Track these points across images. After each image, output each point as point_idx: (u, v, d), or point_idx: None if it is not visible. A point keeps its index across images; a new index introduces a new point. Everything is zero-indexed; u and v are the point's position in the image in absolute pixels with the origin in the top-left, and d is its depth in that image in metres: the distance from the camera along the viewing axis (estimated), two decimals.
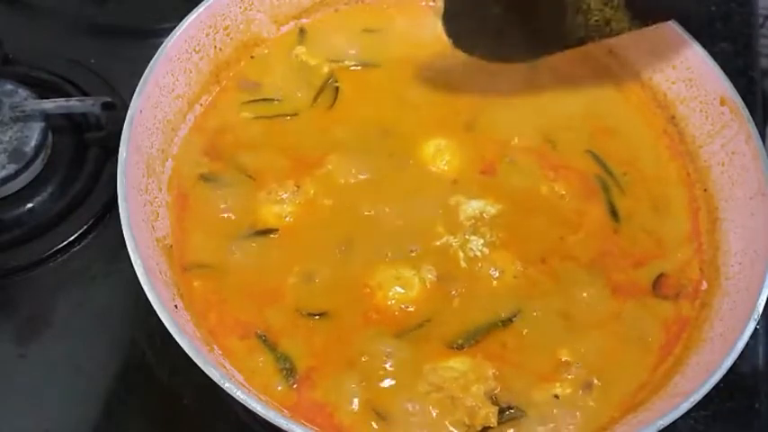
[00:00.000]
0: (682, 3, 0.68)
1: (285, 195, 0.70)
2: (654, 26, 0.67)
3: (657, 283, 0.68)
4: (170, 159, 0.71)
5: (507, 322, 0.65)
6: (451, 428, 0.60)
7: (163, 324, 0.56)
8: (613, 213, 0.72)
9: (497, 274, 0.67)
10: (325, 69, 0.78)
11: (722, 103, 0.72)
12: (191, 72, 0.73)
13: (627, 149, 0.76)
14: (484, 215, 0.70)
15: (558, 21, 0.66)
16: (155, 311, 0.57)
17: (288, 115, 0.75)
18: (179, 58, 0.71)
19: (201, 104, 0.75)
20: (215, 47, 0.75)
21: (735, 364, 0.59)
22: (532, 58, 0.72)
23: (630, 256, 0.69)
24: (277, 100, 0.76)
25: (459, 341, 0.64)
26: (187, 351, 0.55)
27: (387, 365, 0.62)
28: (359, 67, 0.79)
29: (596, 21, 0.65)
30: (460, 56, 0.73)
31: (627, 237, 0.70)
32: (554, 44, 0.69)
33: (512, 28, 0.69)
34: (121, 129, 0.65)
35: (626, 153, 0.76)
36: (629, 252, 0.70)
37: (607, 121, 0.78)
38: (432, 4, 0.84)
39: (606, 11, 0.65)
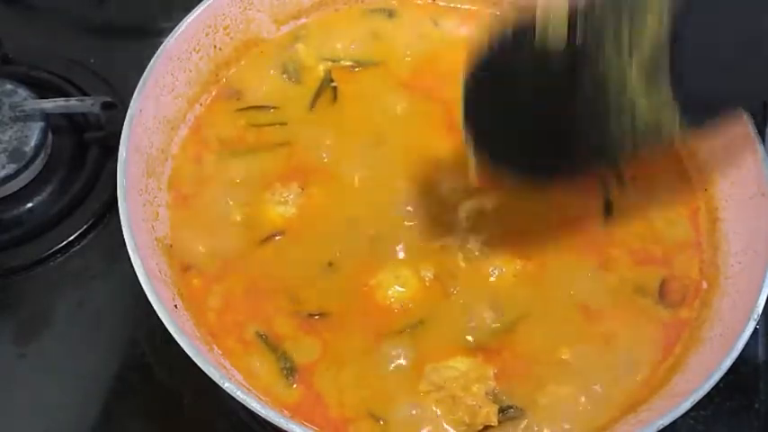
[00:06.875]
0: (744, 88, 0.54)
1: (290, 197, 0.70)
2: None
3: (662, 291, 0.68)
4: (170, 159, 0.71)
5: (507, 321, 0.65)
6: (452, 427, 0.60)
7: (163, 324, 0.56)
8: (608, 211, 0.71)
9: (497, 273, 0.67)
10: (324, 69, 0.78)
11: None
12: (190, 72, 0.73)
13: None
14: (483, 213, 0.70)
15: (599, 129, 0.53)
16: (155, 311, 0.57)
17: (285, 122, 0.74)
18: (179, 58, 0.71)
19: (201, 104, 0.75)
20: (215, 46, 0.75)
21: (735, 364, 0.59)
22: (572, 178, 0.60)
23: (632, 258, 0.69)
24: (273, 107, 0.75)
25: (460, 340, 0.64)
26: (187, 351, 0.55)
27: (387, 364, 0.62)
28: (358, 68, 0.79)
29: (645, 124, 0.53)
30: None
31: (626, 237, 0.70)
32: (596, 160, 0.57)
33: (544, 139, 0.56)
34: (121, 129, 0.65)
35: None
36: (630, 253, 0.70)
37: None
38: (431, 3, 0.84)
39: (654, 109, 0.52)
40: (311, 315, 0.65)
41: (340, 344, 0.63)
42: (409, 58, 0.80)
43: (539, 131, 0.55)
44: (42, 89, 0.83)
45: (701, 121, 0.54)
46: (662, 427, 0.56)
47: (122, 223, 0.60)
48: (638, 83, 0.51)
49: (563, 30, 0.51)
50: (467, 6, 0.83)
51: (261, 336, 0.63)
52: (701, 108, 0.53)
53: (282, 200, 0.70)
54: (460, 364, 0.62)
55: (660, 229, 0.71)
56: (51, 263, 0.76)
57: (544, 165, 0.58)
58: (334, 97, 0.77)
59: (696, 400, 0.57)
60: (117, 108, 0.80)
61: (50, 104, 0.80)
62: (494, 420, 0.60)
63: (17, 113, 0.79)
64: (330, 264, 0.67)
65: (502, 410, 0.61)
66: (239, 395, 0.55)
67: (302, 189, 0.70)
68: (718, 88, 0.53)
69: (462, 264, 0.68)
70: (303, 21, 0.81)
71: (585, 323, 0.66)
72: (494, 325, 0.65)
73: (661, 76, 0.51)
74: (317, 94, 0.77)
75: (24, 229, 0.77)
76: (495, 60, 0.54)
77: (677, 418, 0.56)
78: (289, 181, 0.71)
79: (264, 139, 0.73)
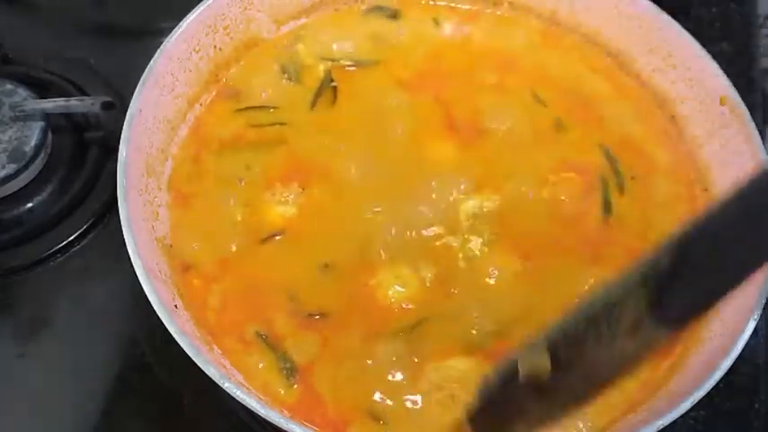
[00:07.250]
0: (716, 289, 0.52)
1: (290, 197, 0.70)
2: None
3: None
4: (170, 159, 0.71)
5: (507, 321, 0.65)
6: (452, 427, 0.60)
7: (163, 324, 0.56)
8: (608, 210, 0.71)
9: (497, 273, 0.67)
10: (324, 69, 0.78)
11: (722, 102, 0.72)
12: (190, 72, 0.73)
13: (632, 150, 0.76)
14: (483, 214, 0.70)
15: (595, 365, 0.53)
16: (155, 311, 0.57)
17: (285, 122, 0.74)
18: (179, 58, 0.71)
19: (201, 104, 0.75)
20: (215, 46, 0.75)
21: (735, 364, 0.59)
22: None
23: (631, 258, 0.69)
24: (273, 107, 0.75)
25: (459, 340, 0.64)
26: (187, 351, 0.55)
27: (387, 364, 0.62)
28: (358, 68, 0.79)
29: (634, 355, 0.52)
30: None
31: (625, 237, 0.70)
32: (591, 396, 0.56)
33: (545, 412, 0.55)
34: (121, 128, 0.65)
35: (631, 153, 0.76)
36: (630, 253, 0.69)
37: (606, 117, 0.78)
38: (432, 3, 0.84)
39: (642, 345, 0.52)
40: (311, 315, 0.65)
41: (340, 343, 0.63)
42: (409, 58, 0.80)
43: (538, 413, 0.55)
44: (42, 89, 0.83)
45: (696, 319, 0.53)
46: (662, 427, 0.56)
47: (122, 223, 0.60)
48: (624, 342, 0.51)
49: (545, 361, 0.51)
50: (467, 6, 0.83)
51: (261, 335, 0.63)
52: (692, 318, 0.52)
53: (282, 200, 0.70)
54: (460, 363, 0.62)
55: (660, 229, 0.71)
56: (51, 263, 0.76)
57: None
58: (335, 97, 0.77)
59: (696, 400, 0.57)
60: (117, 108, 0.80)
61: (50, 104, 0.80)
62: None
63: (17, 113, 0.79)
64: (330, 264, 0.67)
65: None
66: (239, 395, 0.55)
67: (302, 189, 0.70)
68: (706, 302, 0.52)
69: (462, 264, 0.68)
70: (303, 21, 0.81)
71: None
72: (493, 325, 0.65)
73: (644, 325, 0.50)
74: (317, 94, 0.76)
75: (24, 229, 0.77)
76: (490, 399, 0.55)
77: (677, 418, 0.56)
78: (289, 181, 0.71)
79: (264, 139, 0.73)
